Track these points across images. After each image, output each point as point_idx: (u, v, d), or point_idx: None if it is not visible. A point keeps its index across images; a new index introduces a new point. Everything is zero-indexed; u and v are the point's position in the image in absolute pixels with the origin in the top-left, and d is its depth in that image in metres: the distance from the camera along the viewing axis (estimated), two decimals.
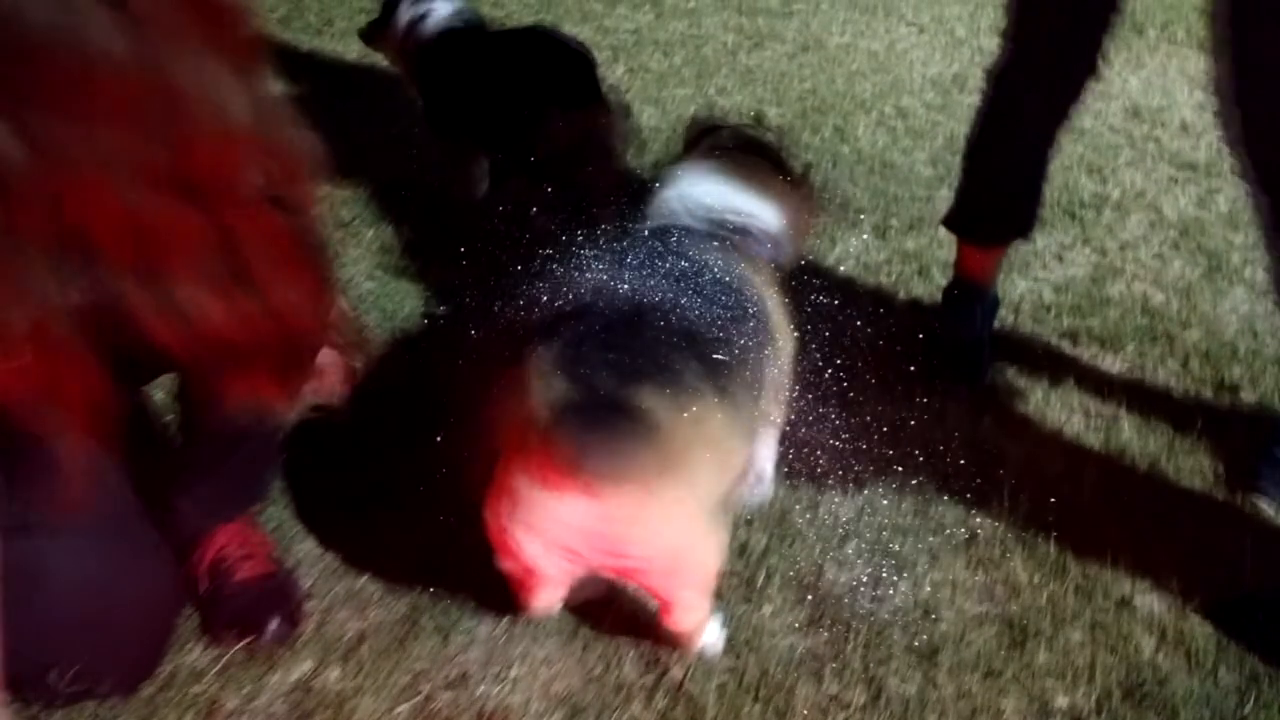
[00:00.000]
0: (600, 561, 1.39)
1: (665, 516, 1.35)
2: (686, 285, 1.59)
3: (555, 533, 1.35)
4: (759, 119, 2.25)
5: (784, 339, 1.73)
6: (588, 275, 1.59)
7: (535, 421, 1.30)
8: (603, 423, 1.30)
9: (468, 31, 2.82)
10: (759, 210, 1.82)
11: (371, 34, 2.99)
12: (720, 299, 1.58)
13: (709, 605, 1.53)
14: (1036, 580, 1.77)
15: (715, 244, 1.72)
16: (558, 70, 2.66)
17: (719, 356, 1.48)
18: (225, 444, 1.56)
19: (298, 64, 3.61)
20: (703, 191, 1.82)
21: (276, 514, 1.83)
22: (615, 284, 1.52)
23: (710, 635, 1.59)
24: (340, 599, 1.69)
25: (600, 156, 2.70)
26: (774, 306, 1.71)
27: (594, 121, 2.66)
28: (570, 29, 4.12)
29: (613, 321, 1.43)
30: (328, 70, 3.56)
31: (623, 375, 1.34)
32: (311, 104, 3.41)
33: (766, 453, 1.86)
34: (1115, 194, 3.00)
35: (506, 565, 1.42)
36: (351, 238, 2.69)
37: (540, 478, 1.31)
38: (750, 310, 1.63)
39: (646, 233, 1.84)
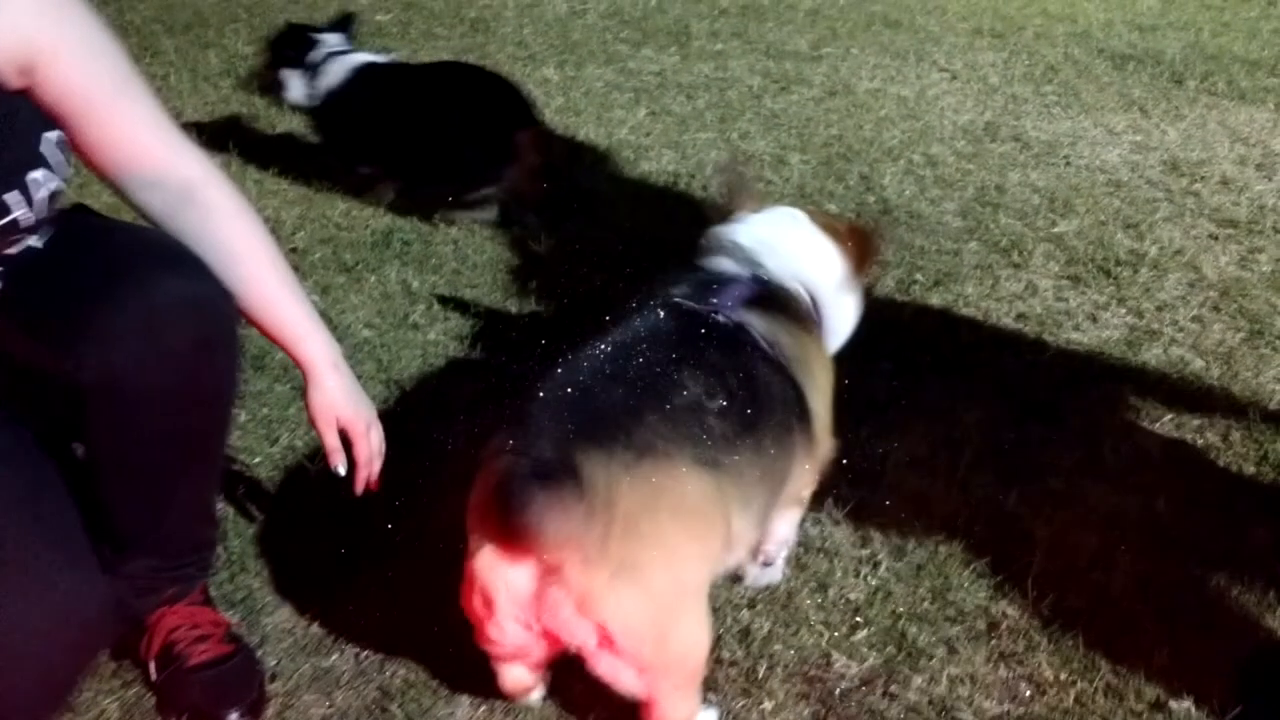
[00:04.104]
0: (557, 633, 1.28)
1: (618, 587, 1.24)
2: (686, 346, 1.48)
3: (509, 601, 1.28)
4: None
5: (813, 401, 1.60)
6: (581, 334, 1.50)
7: (487, 491, 1.27)
8: (536, 485, 1.24)
9: (389, 65, 2.96)
10: (808, 257, 1.72)
11: (276, 69, 3.04)
12: (727, 363, 1.48)
13: (694, 705, 1.40)
14: (1063, 677, 1.62)
15: (745, 294, 1.61)
16: (493, 94, 2.80)
17: (707, 420, 1.38)
18: (147, 515, 1.42)
19: None
20: (743, 232, 1.72)
21: (246, 582, 1.72)
22: (598, 346, 1.43)
23: None
24: (306, 679, 1.57)
25: (551, 177, 2.83)
26: (805, 370, 1.59)
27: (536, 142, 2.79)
28: (594, 70, 4.08)
29: (580, 386, 1.37)
30: None
31: (567, 439, 1.28)
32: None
33: (784, 533, 1.72)
34: (1152, 251, 2.86)
35: (481, 640, 1.33)
36: (353, 283, 2.61)
37: (487, 544, 1.28)
38: (766, 376, 1.51)
39: (660, 281, 1.74)
